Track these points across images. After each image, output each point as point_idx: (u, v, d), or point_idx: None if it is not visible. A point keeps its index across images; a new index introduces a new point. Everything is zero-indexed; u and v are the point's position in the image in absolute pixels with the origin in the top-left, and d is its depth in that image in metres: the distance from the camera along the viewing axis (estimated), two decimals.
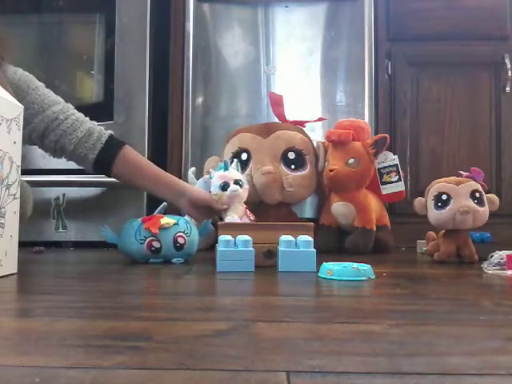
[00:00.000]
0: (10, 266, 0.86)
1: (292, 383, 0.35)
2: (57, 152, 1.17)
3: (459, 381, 0.36)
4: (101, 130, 1.16)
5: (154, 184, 1.19)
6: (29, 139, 1.13)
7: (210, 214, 1.18)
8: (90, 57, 1.61)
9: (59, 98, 1.16)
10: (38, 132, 1.13)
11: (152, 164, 1.20)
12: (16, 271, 0.88)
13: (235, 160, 1.23)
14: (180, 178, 1.59)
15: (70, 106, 1.17)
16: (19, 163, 0.89)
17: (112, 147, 1.16)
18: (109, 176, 1.21)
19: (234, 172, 1.17)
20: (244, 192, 1.15)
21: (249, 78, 1.64)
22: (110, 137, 1.17)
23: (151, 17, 1.57)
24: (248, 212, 1.16)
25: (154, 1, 1.59)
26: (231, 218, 1.12)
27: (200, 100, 1.64)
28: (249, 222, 1.13)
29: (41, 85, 1.15)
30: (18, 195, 0.88)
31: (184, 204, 1.17)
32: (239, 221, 1.10)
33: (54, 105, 1.13)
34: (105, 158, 1.15)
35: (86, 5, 1.62)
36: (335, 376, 0.36)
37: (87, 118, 1.17)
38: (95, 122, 1.18)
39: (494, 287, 0.83)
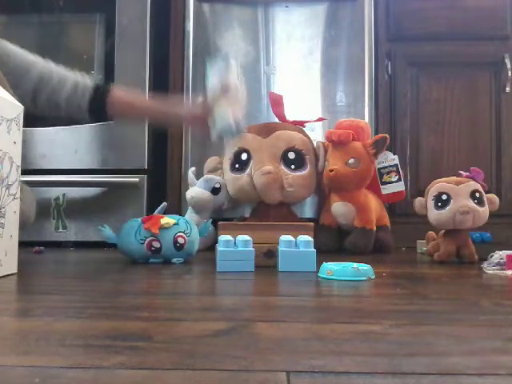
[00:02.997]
0: (10, 266, 0.86)
1: (292, 383, 0.35)
2: (52, 109, 1.18)
3: (459, 381, 0.36)
4: (83, 77, 1.18)
5: (151, 115, 1.27)
6: (22, 104, 1.14)
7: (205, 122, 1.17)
8: (90, 57, 1.61)
9: (37, 57, 1.16)
10: (27, 94, 1.13)
11: (143, 96, 1.26)
12: (16, 271, 0.88)
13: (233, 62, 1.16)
14: (180, 178, 1.60)
15: (49, 60, 1.17)
16: (19, 163, 0.89)
17: (101, 91, 1.18)
18: (108, 120, 1.26)
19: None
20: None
21: (249, 78, 1.64)
22: (96, 84, 1.18)
23: (151, 17, 1.57)
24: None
25: (154, 1, 1.59)
26: (224, 110, 1.09)
27: (200, 100, 1.64)
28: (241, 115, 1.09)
29: (15, 47, 1.14)
30: (18, 195, 0.88)
31: (185, 121, 1.29)
32: (230, 113, 1.07)
33: (35, 64, 1.14)
34: (97, 104, 1.17)
35: (86, 5, 1.62)
36: (335, 376, 0.36)
37: (67, 70, 1.18)
38: (75, 73, 1.18)
39: (494, 287, 0.83)
